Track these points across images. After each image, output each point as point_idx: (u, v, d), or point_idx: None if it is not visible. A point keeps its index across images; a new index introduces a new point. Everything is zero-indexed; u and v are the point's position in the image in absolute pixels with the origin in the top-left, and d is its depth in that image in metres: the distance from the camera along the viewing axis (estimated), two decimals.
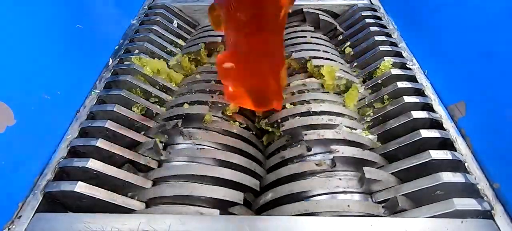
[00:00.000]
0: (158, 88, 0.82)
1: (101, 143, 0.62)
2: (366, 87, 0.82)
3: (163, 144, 0.70)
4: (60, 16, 0.77)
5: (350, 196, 0.60)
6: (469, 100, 0.67)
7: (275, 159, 0.71)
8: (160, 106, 0.79)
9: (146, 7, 1.10)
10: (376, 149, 0.69)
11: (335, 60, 0.90)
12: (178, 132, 0.70)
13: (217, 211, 0.57)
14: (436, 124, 0.68)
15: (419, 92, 0.75)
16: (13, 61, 0.60)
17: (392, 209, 0.56)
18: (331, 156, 0.64)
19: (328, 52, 0.93)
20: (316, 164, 0.64)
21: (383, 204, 0.58)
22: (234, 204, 0.60)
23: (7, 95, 0.56)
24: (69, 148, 0.63)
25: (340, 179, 0.61)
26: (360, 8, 1.06)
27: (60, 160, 0.61)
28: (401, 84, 0.74)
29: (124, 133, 0.67)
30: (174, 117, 0.73)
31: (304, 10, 1.07)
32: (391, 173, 0.61)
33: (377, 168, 0.64)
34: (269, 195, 0.62)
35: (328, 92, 0.81)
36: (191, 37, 1.06)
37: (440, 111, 0.70)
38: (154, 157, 0.66)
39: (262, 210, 0.63)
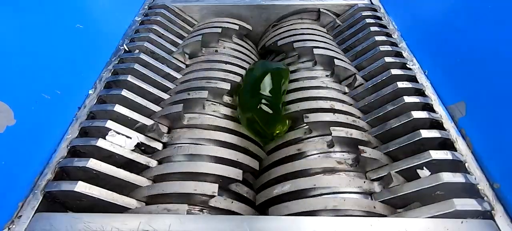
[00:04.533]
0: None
1: (101, 143, 0.62)
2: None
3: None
4: (60, 16, 0.77)
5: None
6: (469, 100, 0.67)
7: (290, 150, 0.71)
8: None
9: (146, 7, 1.10)
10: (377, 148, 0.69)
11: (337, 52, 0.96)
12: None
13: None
14: (436, 124, 0.68)
15: (419, 92, 0.75)
16: (13, 61, 0.60)
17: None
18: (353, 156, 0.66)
19: (331, 45, 1.00)
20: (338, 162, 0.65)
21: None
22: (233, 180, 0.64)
23: (7, 95, 0.56)
24: (69, 147, 0.63)
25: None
26: (360, 8, 1.06)
27: (60, 160, 0.60)
28: (401, 84, 0.74)
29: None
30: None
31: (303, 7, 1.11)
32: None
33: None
34: (287, 186, 0.62)
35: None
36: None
37: (440, 112, 0.70)
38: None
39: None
